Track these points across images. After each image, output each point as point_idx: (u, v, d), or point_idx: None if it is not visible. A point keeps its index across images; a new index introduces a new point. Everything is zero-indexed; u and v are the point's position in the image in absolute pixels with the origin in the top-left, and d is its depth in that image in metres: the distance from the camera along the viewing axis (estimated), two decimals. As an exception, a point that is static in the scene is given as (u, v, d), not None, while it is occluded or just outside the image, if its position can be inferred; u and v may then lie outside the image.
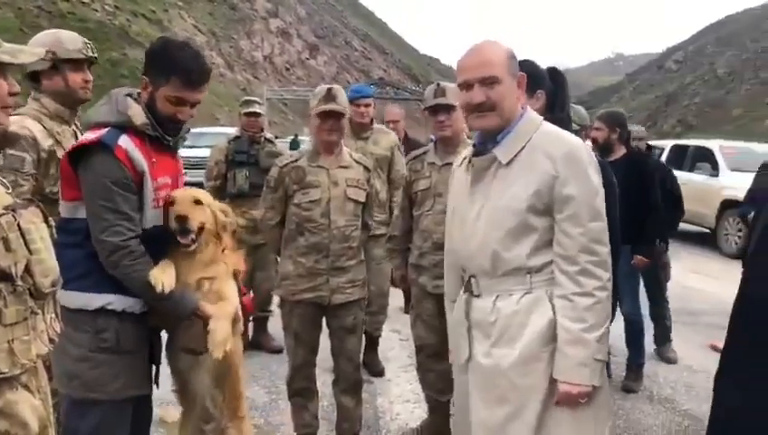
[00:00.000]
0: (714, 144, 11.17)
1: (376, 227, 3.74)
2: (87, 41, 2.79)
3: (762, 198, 2.63)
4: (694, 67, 65.94)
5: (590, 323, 1.85)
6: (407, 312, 3.55)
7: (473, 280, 2.04)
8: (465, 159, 2.15)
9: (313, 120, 3.06)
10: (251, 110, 4.89)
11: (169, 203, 2.23)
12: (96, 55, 2.83)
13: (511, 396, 1.92)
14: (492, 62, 1.94)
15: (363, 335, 3.45)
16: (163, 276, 2.07)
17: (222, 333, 2.14)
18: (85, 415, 2.09)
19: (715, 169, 10.28)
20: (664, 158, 10.73)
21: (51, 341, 1.61)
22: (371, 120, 4.47)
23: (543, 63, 2.58)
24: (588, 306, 1.86)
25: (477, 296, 2.03)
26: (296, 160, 3.11)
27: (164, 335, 2.39)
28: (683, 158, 11.03)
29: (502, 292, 1.97)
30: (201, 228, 2.25)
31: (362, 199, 3.14)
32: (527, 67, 2.47)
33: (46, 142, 2.58)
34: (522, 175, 1.92)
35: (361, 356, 3.42)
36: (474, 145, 2.11)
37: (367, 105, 4.36)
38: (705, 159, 10.55)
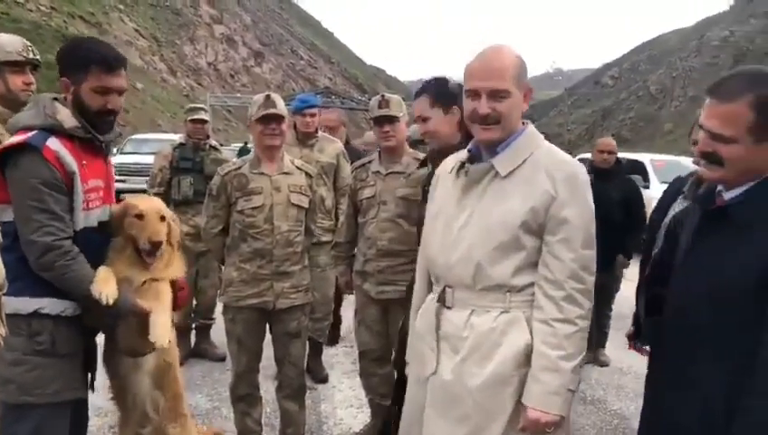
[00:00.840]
0: (645, 157, 11.74)
1: (321, 234, 3.79)
2: (29, 43, 2.76)
3: (668, 205, 2.85)
4: (628, 83, 68.54)
5: (568, 351, 1.80)
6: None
7: (447, 290, 1.95)
8: (455, 166, 2.04)
9: (255, 127, 3.11)
10: (196, 117, 4.88)
11: (137, 215, 2.28)
12: (38, 57, 2.80)
13: (474, 416, 1.86)
14: (504, 74, 1.86)
15: (307, 342, 3.49)
16: (105, 288, 2.08)
17: (163, 324, 2.19)
18: (22, 419, 2.06)
19: (646, 181, 10.79)
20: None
21: None
22: (316, 129, 4.53)
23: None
24: (568, 334, 1.80)
25: (449, 308, 1.94)
26: (238, 168, 3.15)
27: (99, 340, 2.37)
28: (617, 170, 11.51)
29: (478, 307, 1.89)
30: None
31: (305, 205, 3.19)
32: (440, 85, 2.61)
33: None
34: (519, 190, 1.86)
35: (305, 363, 3.45)
36: (468, 151, 2.02)
37: (313, 115, 4.43)
38: (637, 172, 11.02)
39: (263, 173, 3.11)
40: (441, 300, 1.97)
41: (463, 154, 2.04)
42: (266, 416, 3.64)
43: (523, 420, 1.82)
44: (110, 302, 2.07)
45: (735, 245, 1.64)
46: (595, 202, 1.88)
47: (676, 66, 59.12)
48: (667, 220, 2.70)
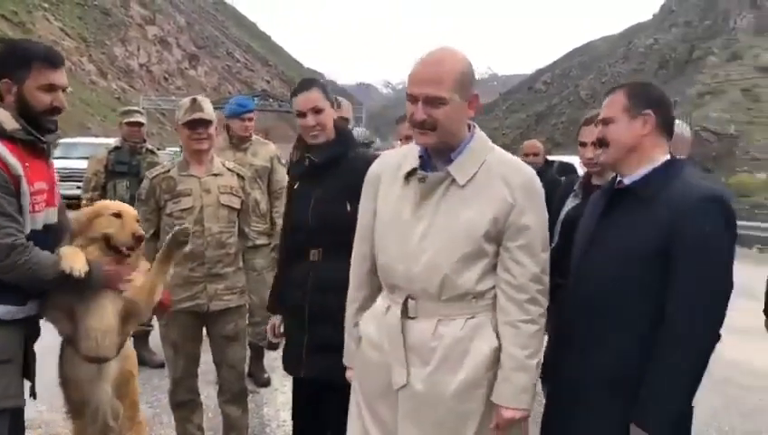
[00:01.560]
0: (575, 159, 12.18)
1: (256, 237, 3.79)
2: None
3: (563, 203, 3.06)
4: (560, 88, 70.87)
5: (532, 349, 1.86)
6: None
7: (410, 302, 1.93)
8: (404, 168, 1.98)
9: (182, 131, 3.09)
10: (132, 119, 4.79)
11: (115, 214, 2.34)
12: None
13: (448, 421, 1.89)
14: (441, 80, 1.85)
15: (248, 346, 3.47)
16: (75, 262, 2.11)
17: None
18: None
19: (576, 182, 11.25)
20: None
21: None
22: (251, 133, 4.53)
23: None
24: (532, 333, 1.87)
25: (413, 319, 1.93)
26: (167, 171, 3.13)
27: (49, 348, 2.33)
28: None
29: (444, 316, 1.90)
30: None
31: (237, 206, 3.17)
32: (322, 85, 2.68)
33: None
34: (477, 199, 1.87)
35: (247, 367, 3.44)
36: (420, 156, 1.98)
37: (251, 119, 4.43)
38: (568, 173, 11.45)
39: (191, 175, 3.09)
40: (404, 312, 1.94)
41: (411, 155, 2.00)
42: (209, 420, 3.62)
43: (496, 418, 1.88)
44: (82, 274, 2.09)
45: (636, 218, 1.89)
46: None
47: (605, 72, 61.51)
48: (561, 217, 2.92)
